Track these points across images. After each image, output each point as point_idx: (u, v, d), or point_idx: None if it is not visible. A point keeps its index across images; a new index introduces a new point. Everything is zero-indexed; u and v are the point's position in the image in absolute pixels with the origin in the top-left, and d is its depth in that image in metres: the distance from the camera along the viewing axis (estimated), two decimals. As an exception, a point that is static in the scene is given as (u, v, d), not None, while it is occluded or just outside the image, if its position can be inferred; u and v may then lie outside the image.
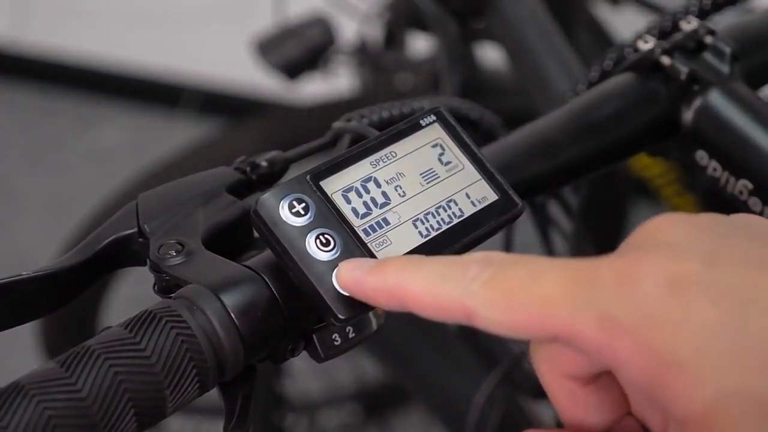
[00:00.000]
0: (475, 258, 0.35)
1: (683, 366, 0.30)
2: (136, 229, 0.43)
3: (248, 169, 0.47)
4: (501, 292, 0.33)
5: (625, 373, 0.32)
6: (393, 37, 1.10)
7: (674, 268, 0.31)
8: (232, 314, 0.39)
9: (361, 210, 0.41)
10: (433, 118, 0.44)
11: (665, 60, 0.52)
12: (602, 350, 0.31)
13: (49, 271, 0.42)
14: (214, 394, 0.41)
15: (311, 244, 0.40)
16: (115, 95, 2.35)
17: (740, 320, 0.30)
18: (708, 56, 0.52)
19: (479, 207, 0.43)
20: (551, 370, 0.36)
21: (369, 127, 0.50)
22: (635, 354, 0.31)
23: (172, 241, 0.42)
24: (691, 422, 0.30)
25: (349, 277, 0.38)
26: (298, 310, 0.41)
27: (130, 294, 1.06)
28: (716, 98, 0.51)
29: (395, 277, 0.36)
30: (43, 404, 0.34)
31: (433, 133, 0.44)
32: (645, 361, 0.31)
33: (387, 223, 0.41)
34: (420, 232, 0.42)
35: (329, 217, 0.40)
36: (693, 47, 0.52)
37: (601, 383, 0.35)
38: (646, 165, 1.11)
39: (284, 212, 0.40)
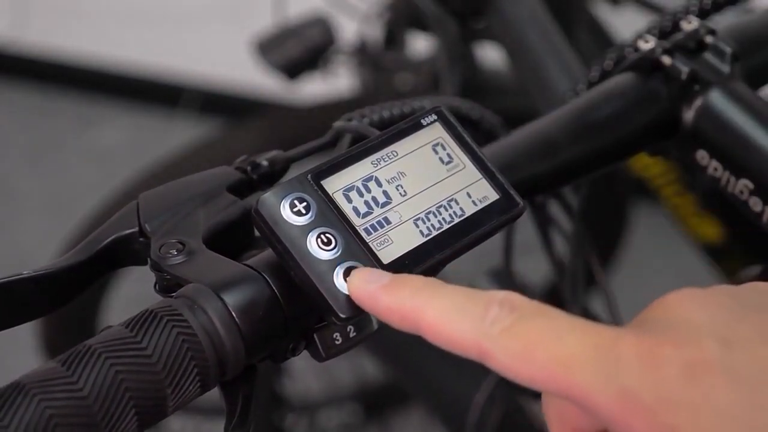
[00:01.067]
0: (497, 298, 0.35)
1: None
2: (137, 229, 0.43)
3: (249, 168, 0.47)
4: (521, 343, 0.34)
5: None
6: (393, 37, 1.10)
7: (694, 353, 0.32)
8: (233, 313, 0.39)
9: (363, 209, 0.41)
10: (434, 117, 0.45)
11: (666, 60, 0.52)
12: (617, 422, 0.32)
13: (49, 270, 0.42)
14: (215, 394, 0.41)
15: (312, 244, 0.40)
16: (115, 95, 2.35)
17: (758, 402, 0.31)
18: (708, 56, 0.52)
19: (480, 206, 0.43)
20: (560, 422, 0.37)
21: (370, 126, 0.50)
22: None
23: (173, 241, 0.42)
24: None
25: (364, 291, 0.38)
26: (299, 310, 0.41)
27: (131, 294, 1.06)
28: (717, 98, 0.51)
29: (411, 300, 0.36)
30: (44, 403, 0.34)
31: (434, 132, 0.44)
32: None
33: (388, 222, 0.41)
34: (421, 232, 0.42)
35: (330, 216, 0.40)
36: (693, 47, 0.52)
37: None
38: (646, 165, 1.11)
39: (285, 211, 0.40)
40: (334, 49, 1.13)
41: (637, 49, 0.53)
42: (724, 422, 0.31)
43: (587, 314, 0.65)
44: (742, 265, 0.99)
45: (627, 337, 0.33)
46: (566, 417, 0.37)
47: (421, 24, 1.03)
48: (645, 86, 0.52)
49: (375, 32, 1.11)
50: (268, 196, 0.40)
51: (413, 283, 0.37)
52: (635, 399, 0.32)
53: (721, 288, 0.36)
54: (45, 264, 0.42)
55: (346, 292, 0.39)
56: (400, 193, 0.42)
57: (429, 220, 0.42)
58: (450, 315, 0.35)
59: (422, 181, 0.43)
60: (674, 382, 0.32)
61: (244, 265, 0.41)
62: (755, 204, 0.50)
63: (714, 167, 0.51)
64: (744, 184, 0.50)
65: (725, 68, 0.51)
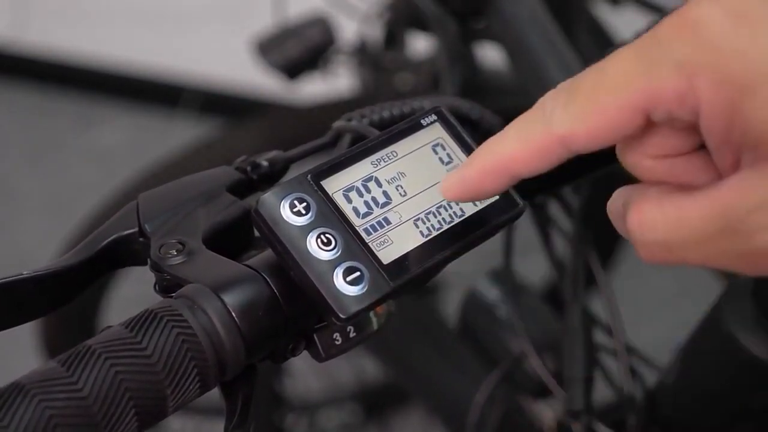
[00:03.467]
0: (547, 95, 0.37)
1: (755, 89, 0.32)
2: (136, 229, 0.43)
3: (249, 168, 0.47)
4: (580, 101, 0.35)
5: (707, 112, 0.33)
6: (393, 37, 1.09)
7: (734, 5, 0.33)
8: (233, 313, 0.39)
9: (362, 209, 0.41)
10: (434, 117, 0.45)
11: (666, 60, 0.52)
12: (684, 96, 0.33)
13: (49, 270, 0.42)
14: (215, 394, 0.41)
15: (312, 244, 0.40)
16: (115, 95, 2.35)
17: None
18: (708, 56, 0.52)
19: (480, 207, 0.43)
20: (636, 154, 0.37)
21: (369, 126, 0.50)
22: (713, 88, 0.33)
23: (173, 241, 0.42)
24: (764, 143, 0.33)
25: (452, 182, 0.39)
26: (299, 310, 0.41)
27: (131, 294, 1.06)
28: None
29: (488, 153, 0.38)
30: (44, 404, 0.34)
31: (434, 132, 0.44)
32: (722, 91, 0.33)
33: (388, 222, 0.41)
34: (421, 232, 0.42)
35: (330, 216, 0.40)
36: (693, 47, 0.52)
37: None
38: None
39: (285, 211, 0.40)
40: (334, 49, 1.13)
41: (637, 49, 0.53)
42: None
43: (587, 314, 0.65)
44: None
45: (662, 22, 0.34)
46: (642, 144, 0.37)
47: (421, 24, 1.03)
48: (645, 86, 0.52)
49: (375, 32, 1.11)
50: (267, 197, 0.40)
51: (481, 146, 0.38)
52: (689, 64, 0.33)
53: None
54: (45, 264, 0.42)
55: (347, 293, 0.39)
56: (400, 194, 0.42)
57: (429, 220, 0.42)
58: (521, 135, 0.37)
59: (422, 181, 0.43)
60: (719, 34, 0.33)
61: (244, 265, 0.41)
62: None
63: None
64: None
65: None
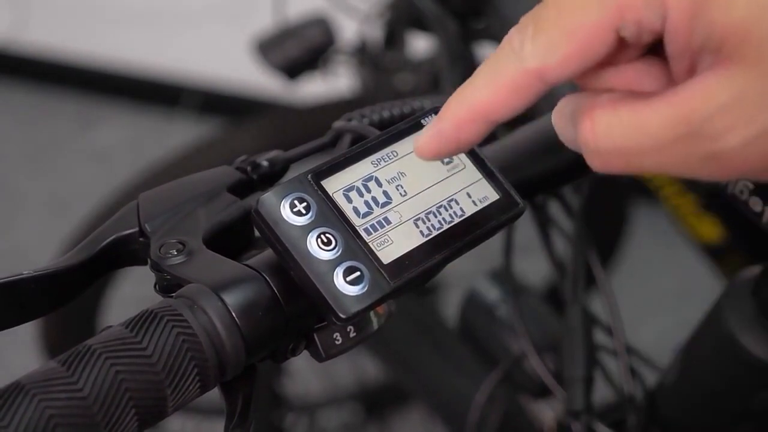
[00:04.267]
0: (512, 31, 0.36)
1: None
2: (137, 229, 0.43)
3: (249, 168, 0.47)
4: (548, 30, 0.34)
5: (672, 16, 0.33)
6: (393, 37, 1.10)
7: None
8: (233, 313, 0.39)
9: (363, 209, 0.41)
10: (434, 117, 0.44)
11: (666, 60, 0.52)
12: (652, 3, 0.33)
13: (50, 270, 0.42)
14: (215, 394, 0.41)
15: (312, 243, 0.40)
16: (115, 95, 2.35)
17: None
18: (708, 56, 0.52)
19: (480, 206, 0.43)
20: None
21: (369, 126, 0.50)
22: None
23: (173, 241, 0.42)
24: (728, 42, 0.32)
25: (427, 138, 0.38)
26: (299, 310, 0.41)
27: (131, 294, 1.06)
28: (717, 98, 0.51)
29: (461, 102, 0.36)
30: (44, 403, 0.34)
31: (434, 132, 0.44)
32: None
33: (388, 222, 0.41)
34: (421, 232, 0.42)
35: (330, 216, 0.40)
36: (693, 47, 0.52)
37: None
38: (646, 165, 1.11)
39: (285, 211, 0.40)
40: (334, 49, 1.13)
41: (637, 49, 0.53)
42: None
43: (587, 314, 0.65)
44: (742, 265, 0.99)
45: None
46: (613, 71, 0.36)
47: (421, 24, 1.03)
48: (645, 86, 0.52)
49: (375, 32, 1.11)
50: (268, 196, 0.40)
51: (452, 97, 0.37)
52: None
53: None
54: (45, 264, 0.42)
55: (347, 293, 0.39)
56: (400, 193, 0.42)
57: (429, 220, 0.42)
58: (492, 77, 0.35)
59: (422, 181, 0.43)
60: None
61: (244, 265, 0.41)
62: (755, 204, 0.50)
63: (714, 167, 0.51)
64: (744, 184, 0.50)
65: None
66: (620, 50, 0.35)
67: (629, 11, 0.33)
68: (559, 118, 0.37)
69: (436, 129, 0.37)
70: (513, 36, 0.35)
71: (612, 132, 0.34)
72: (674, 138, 0.33)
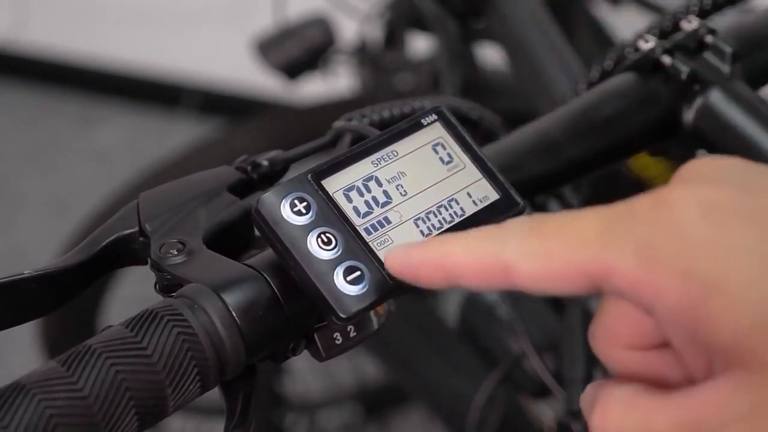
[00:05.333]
0: (516, 219, 0.35)
1: (722, 287, 0.30)
2: (137, 229, 0.43)
3: (249, 168, 0.47)
4: (537, 240, 0.33)
5: (665, 305, 0.31)
6: (393, 37, 1.10)
7: (709, 194, 0.31)
8: (233, 313, 0.39)
9: (363, 209, 0.41)
10: (435, 117, 0.44)
11: (666, 60, 0.52)
12: (640, 284, 0.31)
13: (50, 270, 0.42)
14: (215, 394, 0.41)
15: (313, 243, 0.40)
16: (115, 95, 2.35)
17: None
18: (709, 56, 0.52)
19: (480, 206, 0.43)
20: (607, 340, 0.35)
21: (370, 126, 0.50)
22: (674, 280, 0.30)
23: (174, 240, 0.42)
24: (733, 349, 0.30)
25: (397, 256, 0.38)
26: (299, 309, 0.41)
27: (131, 294, 1.06)
28: (717, 98, 0.51)
29: (439, 247, 0.36)
30: (44, 403, 0.34)
31: (435, 132, 0.44)
32: (684, 286, 0.30)
33: (388, 222, 0.41)
34: (421, 231, 0.42)
35: (330, 216, 0.40)
36: (694, 47, 0.52)
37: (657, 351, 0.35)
38: (646, 165, 1.11)
39: (285, 211, 0.40)
40: (334, 49, 1.13)
41: (637, 49, 0.53)
42: (743, 259, 0.30)
43: (587, 314, 0.65)
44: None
45: (640, 197, 0.32)
46: (613, 333, 0.35)
47: (421, 24, 1.03)
48: (645, 86, 0.52)
49: (375, 32, 1.11)
50: (268, 196, 0.40)
51: (442, 236, 0.37)
52: (651, 250, 0.31)
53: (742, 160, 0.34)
54: (45, 264, 0.42)
55: (347, 292, 0.39)
56: (400, 193, 0.42)
57: (429, 219, 0.42)
58: (473, 244, 0.35)
59: (422, 180, 0.43)
60: (689, 224, 0.31)
61: (245, 264, 0.41)
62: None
63: (714, 167, 0.51)
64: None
65: (725, 68, 0.51)
66: (637, 327, 0.34)
67: (609, 278, 0.32)
68: (584, 403, 0.36)
69: (408, 253, 0.37)
70: (514, 223, 0.35)
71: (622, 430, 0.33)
72: None
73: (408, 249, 0.38)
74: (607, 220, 0.32)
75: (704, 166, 0.33)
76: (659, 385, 0.34)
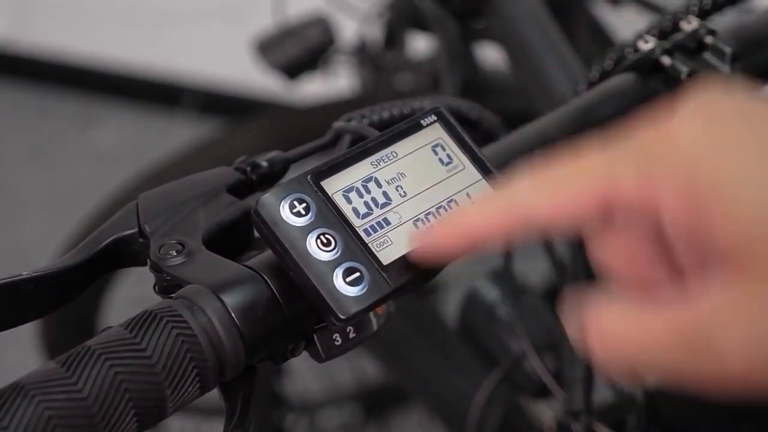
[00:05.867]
0: (511, 184, 0.36)
1: (721, 192, 0.30)
2: (136, 229, 0.43)
3: (248, 169, 0.47)
4: (546, 176, 0.34)
5: (667, 212, 0.32)
6: (393, 37, 1.10)
7: (709, 108, 0.32)
8: (232, 314, 0.39)
9: (362, 210, 0.41)
10: (434, 118, 0.44)
11: (665, 60, 0.52)
12: (643, 195, 0.32)
13: (49, 270, 0.42)
14: (215, 394, 0.41)
15: (312, 244, 0.40)
16: (115, 95, 2.35)
17: None
18: (708, 56, 0.52)
19: (480, 207, 0.43)
20: (615, 259, 0.36)
21: (369, 127, 0.50)
22: (677, 189, 0.31)
23: (173, 241, 0.42)
24: (732, 253, 0.30)
25: (418, 239, 0.38)
26: (298, 310, 0.41)
27: (131, 294, 1.06)
28: (717, 98, 0.51)
29: (456, 215, 0.37)
30: (43, 404, 0.34)
31: (434, 133, 0.44)
32: (686, 194, 0.31)
33: (388, 223, 0.41)
34: (421, 232, 0.42)
35: (330, 217, 0.40)
36: (693, 47, 0.52)
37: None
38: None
39: (285, 212, 0.40)
40: (334, 49, 1.13)
41: (637, 50, 0.53)
42: (744, 163, 0.31)
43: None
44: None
45: (640, 128, 0.33)
46: (618, 253, 0.35)
47: (421, 24, 1.03)
48: (645, 86, 0.52)
49: (375, 32, 1.11)
50: (267, 197, 0.40)
51: (457, 209, 0.39)
52: (653, 164, 0.32)
53: None
54: (45, 264, 0.42)
55: (346, 293, 0.39)
56: (399, 194, 0.42)
57: (429, 220, 0.42)
58: (487, 202, 0.36)
59: (422, 181, 0.43)
60: (690, 136, 0.32)
61: (244, 265, 0.41)
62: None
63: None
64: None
65: (725, 68, 0.51)
66: (633, 240, 0.35)
67: (617, 197, 0.33)
68: (574, 324, 0.36)
69: (428, 231, 0.38)
70: (519, 177, 0.36)
71: (617, 336, 0.33)
72: (678, 342, 0.32)
73: (427, 229, 0.39)
74: (611, 147, 0.34)
75: (706, 94, 0.34)
76: (652, 299, 0.34)
